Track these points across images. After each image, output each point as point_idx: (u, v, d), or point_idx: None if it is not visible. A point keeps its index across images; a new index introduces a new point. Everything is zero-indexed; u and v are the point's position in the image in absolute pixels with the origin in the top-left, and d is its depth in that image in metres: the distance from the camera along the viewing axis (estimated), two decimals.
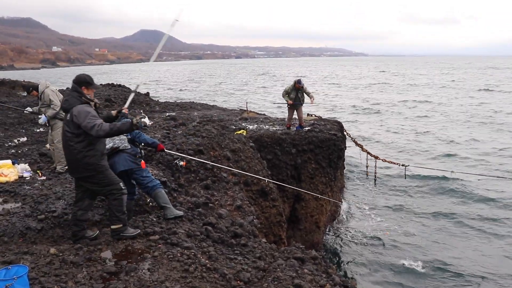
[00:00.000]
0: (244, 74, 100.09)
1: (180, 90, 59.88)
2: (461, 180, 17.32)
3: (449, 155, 21.69)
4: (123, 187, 5.15)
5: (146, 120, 12.83)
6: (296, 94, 12.57)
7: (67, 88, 24.71)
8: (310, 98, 12.59)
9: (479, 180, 17.21)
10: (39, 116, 8.19)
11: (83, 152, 4.87)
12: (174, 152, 7.80)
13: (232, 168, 8.63)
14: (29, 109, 8.57)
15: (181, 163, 7.81)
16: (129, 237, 5.17)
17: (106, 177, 5.06)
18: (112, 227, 5.14)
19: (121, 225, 5.13)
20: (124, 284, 4.08)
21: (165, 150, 6.66)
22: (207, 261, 4.77)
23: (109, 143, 5.69)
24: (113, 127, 4.76)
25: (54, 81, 73.19)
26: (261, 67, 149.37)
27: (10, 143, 10.79)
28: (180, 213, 6.04)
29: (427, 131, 27.69)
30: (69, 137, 4.87)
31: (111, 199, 5.08)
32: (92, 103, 5.07)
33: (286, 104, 12.93)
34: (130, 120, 4.90)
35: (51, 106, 7.94)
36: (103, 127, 4.69)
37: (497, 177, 17.12)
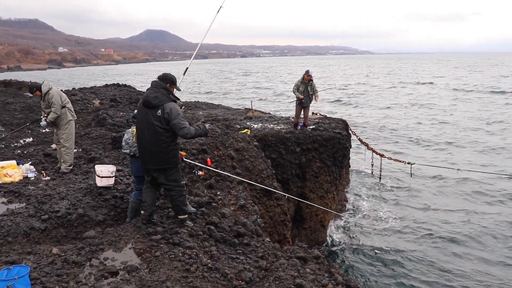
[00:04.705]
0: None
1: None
2: (468, 178, 17.18)
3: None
4: (184, 184, 5.72)
5: None
6: (305, 87, 12.39)
7: (73, 88, 24.85)
8: (315, 98, 12.50)
9: (486, 178, 17.06)
10: (42, 120, 8.22)
11: (171, 145, 5.33)
12: (194, 162, 7.75)
13: (250, 181, 8.56)
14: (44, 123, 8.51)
15: (200, 173, 7.80)
16: (189, 225, 5.69)
17: (177, 172, 5.51)
18: (180, 217, 5.71)
19: (186, 216, 5.74)
20: (125, 284, 4.09)
21: (184, 160, 6.66)
22: (208, 260, 4.77)
23: (127, 149, 5.84)
24: (197, 132, 5.34)
25: (61, 81, 73.67)
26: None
27: (16, 144, 10.88)
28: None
29: None
30: (161, 132, 5.21)
31: (176, 195, 5.55)
32: (178, 102, 5.51)
33: (295, 100, 12.73)
34: (204, 126, 5.51)
35: (52, 109, 7.95)
36: (191, 131, 5.26)
37: (504, 175, 16.96)
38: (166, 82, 5.39)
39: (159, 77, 5.46)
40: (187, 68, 7.29)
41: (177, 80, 5.67)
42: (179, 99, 5.57)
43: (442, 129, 27.82)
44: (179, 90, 5.65)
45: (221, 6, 7.91)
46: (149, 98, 5.26)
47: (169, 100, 5.26)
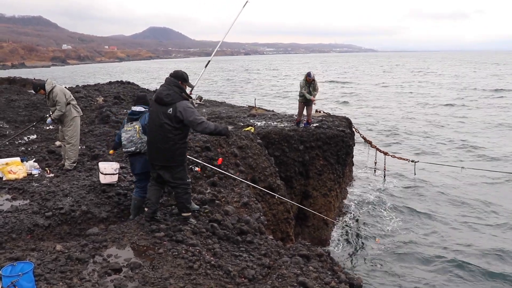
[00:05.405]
0: None
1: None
2: (472, 176, 17.10)
3: None
4: (190, 182, 5.70)
5: None
6: (308, 88, 12.56)
7: (76, 85, 24.92)
8: (314, 91, 12.56)
9: (490, 176, 16.94)
10: (47, 117, 8.31)
11: (179, 143, 5.33)
12: (191, 158, 7.77)
13: (250, 183, 8.56)
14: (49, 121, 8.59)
15: (196, 168, 7.82)
16: (192, 223, 5.71)
17: (183, 170, 5.52)
18: (183, 215, 5.73)
19: (190, 213, 5.75)
20: (129, 281, 4.10)
21: (188, 157, 6.68)
22: (211, 258, 4.77)
23: (132, 146, 5.84)
24: (216, 128, 5.33)
25: (64, 79, 73.81)
26: None
27: (20, 141, 10.91)
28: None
29: None
30: (169, 129, 5.23)
31: (181, 193, 5.55)
32: (190, 100, 5.53)
33: (298, 98, 12.87)
34: (227, 126, 5.58)
35: (57, 107, 7.98)
36: (210, 126, 5.27)
37: (509, 173, 16.85)
38: (178, 80, 5.40)
39: (171, 75, 5.48)
40: (209, 61, 7.35)
41: (199, 73, 5.69)
42: (191, 98, 5.57)
43: (450, 130, 27.39)
44: (191, 87, 5.63)
45: (247, 1, 7.84)
46: (162, 95, 5.28)
47: (181, 99, 5.27)
